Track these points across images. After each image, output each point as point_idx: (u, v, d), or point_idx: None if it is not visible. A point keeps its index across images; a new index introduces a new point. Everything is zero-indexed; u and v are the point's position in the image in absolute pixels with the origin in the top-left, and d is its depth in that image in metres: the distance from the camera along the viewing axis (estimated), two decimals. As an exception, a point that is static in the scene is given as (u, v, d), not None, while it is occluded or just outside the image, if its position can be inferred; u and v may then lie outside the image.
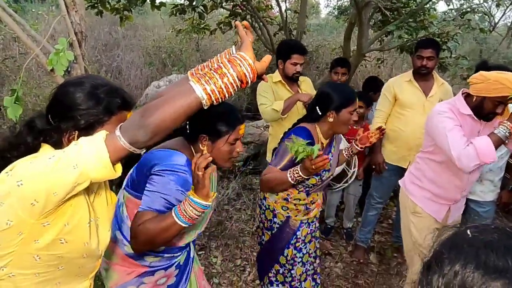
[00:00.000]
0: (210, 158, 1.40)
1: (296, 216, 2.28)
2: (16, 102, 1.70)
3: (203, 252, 3.39)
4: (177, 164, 1.48)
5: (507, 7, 11.76)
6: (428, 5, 3.78)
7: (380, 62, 5.47)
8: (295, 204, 2.26)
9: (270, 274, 2.38)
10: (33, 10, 10.24)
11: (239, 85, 1.03)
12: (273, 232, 2.30)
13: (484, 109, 2.07)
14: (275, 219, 2.29)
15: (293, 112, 3.19)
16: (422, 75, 3.08)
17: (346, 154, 2.47)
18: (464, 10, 3.45)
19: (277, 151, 2.20)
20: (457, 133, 2.06)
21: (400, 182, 2.64)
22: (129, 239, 1.52)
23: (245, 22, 1.22)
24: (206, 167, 1.36)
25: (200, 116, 1.16)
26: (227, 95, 1.02)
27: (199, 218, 1.38)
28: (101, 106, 1.16)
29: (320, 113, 2.12)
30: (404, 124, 3.13)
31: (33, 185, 0.95)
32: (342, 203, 3.97)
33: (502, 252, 0.59)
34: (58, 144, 1.17)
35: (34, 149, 1.15)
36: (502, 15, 12.81)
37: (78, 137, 1.14)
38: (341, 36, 9.40)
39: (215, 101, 1.01)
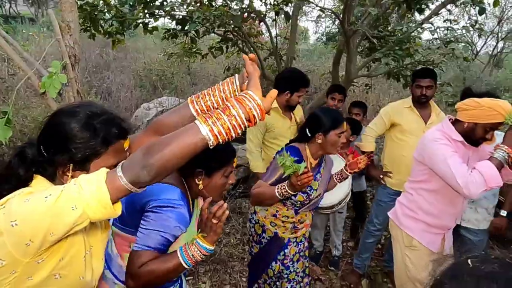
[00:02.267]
0: (226, 206, 1.42)
1: (283, 233, 2.36)
2: (7, 124, 1.69)
3: (191, 277, 3.32)
4: (173, 199, 1.45)
5: (488, 36, 12.28)
6: (413, 34, 3.91)
7: (368, 87, 5.59)
8: (283, 221, 2.34)
9: (260, 281, 2.49)
10: (24, 30, 10.26)
11: (247, 126, 0.99)
12: (262, 246, 2.39)
13: (475, 135, 2.07)
14: (263, 234, 2.37)
15: (286, 137, 3.22)
16: (421, 103, 3.16)
17: (337, 179, 2.52)
18: (448, 40, 3.59)
19: (269, 167, 2.29)
20: (458, 160, 2.03)
21: (389, 214, 2.60)
22: (119, 278, 1.49)
23: (252, 55, 1.18)
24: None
25: None
26: (234, 136, 0.98)
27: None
28: (98, 138, 1.11)
29: (309, 135, 2.23)
30: (405, 150, 3.17)
31: (29, 226, 0.91)
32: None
33: (503, 284, 0.59)
34: (52, 176, 1.12)
35: (26, 180, 1.10)
36: (484, 44, 13.36)
37: (73, 169, 1.10)
38: (329, 62, 9.61)
39: (221, 142, 0.97)
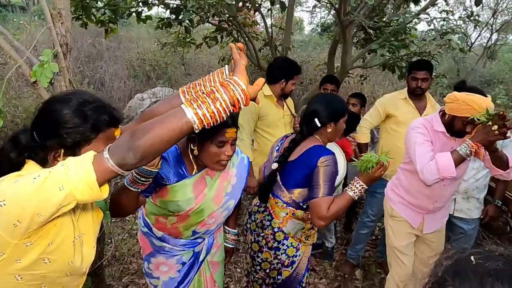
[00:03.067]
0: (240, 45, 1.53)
1: (313, 239, 2.26)
2: (-3, 114, 1.65)
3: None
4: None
5: (482, 28, 12.30)
6: (409, 25, 3.89)
7: (363, 78, 5.58)
8: (314, 228, 2.21)
9: None
10: (15, 19, 10.09)
11: (231, 110, 1.02)
12: (294, 265, 2.19)
13: (454, 127, 2.18)
14: (297, 253, 2.18)
15: (278, 126, 3.22)
16: (416, 95, 3.18)
17: None
18: (444, 31, 3.57)
19: (317, 177, 1.92)
20: (425, 148, 2.20)
21: (385, 188, 2.78)
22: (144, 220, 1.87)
23: (240, 45, 1.21)
24: None
25: None
26: (219, 120, 1.00)
27: (144, 183, 1.45)
28: (88, 124, 1.13)
29: (319, 125, 2.07)
30: (400, 141, 3.17)
31: (17, 206, 0.92)
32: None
33: (507, 281, 0.58)
34: (43, 161, 1.14)
35: (18, 165, 1.11)
36: (478, 36, 13.39)
37: (64, 155, 1.11)
38: (324, 53, 9.58)
39: (206, 126, 1.00)
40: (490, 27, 12.91)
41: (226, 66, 1.27)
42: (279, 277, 2.21)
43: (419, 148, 2.21)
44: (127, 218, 4.02)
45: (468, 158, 2.08)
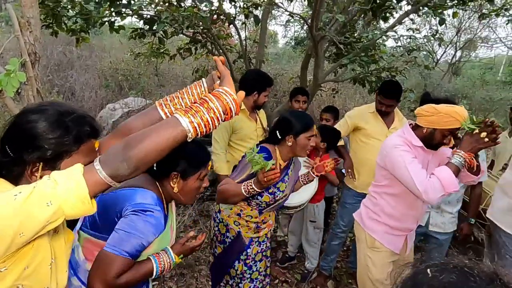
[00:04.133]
0: (203, 238, 1.61)
1: (246, 232, 2.37)
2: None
3: (157, 282, 3.25)
4: (150, 204, 1.43)
5: (447, 46, 12.89)
6: (378, 41, 4.04)
7: (335, 92, 5.72)
8: (246, 221, 2.35)
9: (221, 284, 2.48)
10: (-20, 25, 9.74)
11: (223, 119, 1.04)
12: (225, 246, 2.39)
13: (433, 140, 2.15)
14: (227, 234, 2.38)
15: (252, 139, 3.24)
16: (381, 114, 3.26)
17: (302, 181, 2.57)
18: (410, 48, 3.73)
19: (238, 165, 2.31)
20: (417, 166, 2.09)
21: (354, 215, 2.66)
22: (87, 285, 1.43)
23: (222, 58, 1.23)
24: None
25: (171, 153, 1.08)
26: (212, 128, 1.02)
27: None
28: (71, 135, 1.09)
29: (280, 137, 2.25)
30: (369, 153, 3.25)
31: None
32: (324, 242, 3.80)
33: None
34: (16, 178, 1.07)
35: None
36: (443, 53, 14.01)
37: (42, 169, 1.06)
38: (298, 66, 9.73)
39: (200, 134, 1.01)
40: (454, 45, 13.53)
41: (203, 79, 1.29)
42: (215, 249, 2.46)
43: (411, 168, 2.07)
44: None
45: (462, 169, 2.05)
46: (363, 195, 3.31)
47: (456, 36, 13.33)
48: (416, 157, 2.16)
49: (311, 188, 3.00)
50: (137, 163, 0.93)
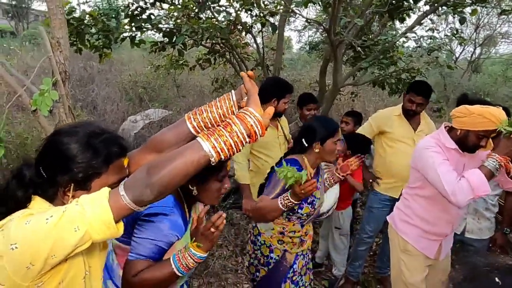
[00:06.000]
0: (224, 215, 1.46)
1: (291, 249, 2.30)
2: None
3: (186, 291, 3.27)
4: (166, 206, 1.45)
5: (466, 43, 12.64)
6: (397, 43, 4.01)
7: (354, 95, 5.69)
8: (290, 237, 2.28)
9: None
10: (5, 45, 10.11)
11: (248, 142, 1.01)
12: (270, 267, 2.30)
13: (468, 142, 2.08)
14: (271, 254, 2.29)
15: (274, 147, 3.25)
16: (409, 115, 3.20)
17: (328, 184, 2.54)
18: (431, 48, 3.69)
19: (269, 181, 2.25)
20: (448, 168, 2.05)
21: (388, 218, 2.63)
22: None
23: (250, 73, 1.19)
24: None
25: None
26: (236, 152, 0.99)
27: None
28: (100, 157, 1.11)
29: (306, 145, 2.22)
30: (395, 156, 3.20)
31: (30, 249, 0.89)
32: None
33: None
34: (51, 197, 1.11)
35: (24, 202, 1.08)
36: (462, 51, 13.76)
37: (74, 190, 1.10)
38: (314, 71, 9.73)
39: (223, 158, 0.98)
40: (473, 42, 13.29)
41: (233, 91, 1.26)
42: (257, 273, 2.36)
43: (441, 169, 2.04)
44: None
45: (497, 173, 1.98)
46: (390, 199, 3.29)
47: (474, 33, 13.08)
48: (449, 159, 2.11)
49: (334, 194, 2.98)
50: (161, 188, 0.93)
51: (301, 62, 14.14)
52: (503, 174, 2.10)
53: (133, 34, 4.01)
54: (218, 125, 1.01)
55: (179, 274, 1.38)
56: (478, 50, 14.13)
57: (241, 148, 1.00)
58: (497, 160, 1.93)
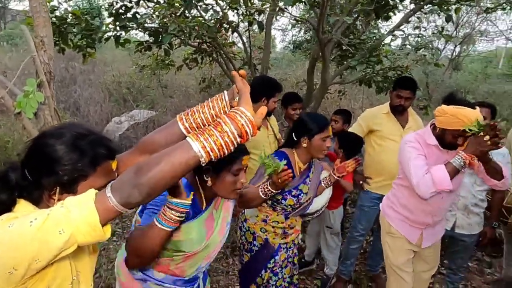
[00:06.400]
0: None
1: (273, 238, 2.37)
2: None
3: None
4: None
5: (447, 41, 12.88)
6: (387, 41, 4.04)
7: (341, 94, 5.71)
8: (273, 227, 2.36)
9: None
10: (-19, 45, 9.82)
11: (239, 142, 0.98)
12: (252, 254, 2.39)
13: (445, 140, 2.21)
14: (254, 242, 2.39)
15: (265, 147, 3.21)
16: (398, 112, 3.23)
17: (325, 184, 2.56)
18: (418, 46, 3.72)
19: (256, 172, 2.35)
20: (419, 162, 2.21)
21: (380, 205, 2.80)
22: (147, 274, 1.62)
23: (242, 72, 1.16)
24: None
25: None
26: (226, 152, 0.97)
27: (179, 220, 1.31)
28: (86, 159, 1.08)
29: (295, 139, 2.27)
30: (385, 154, 3.22)
31: (13, 253, 0.86)
32: None
33: None
34: (37, 200, 1.07)
35: (9, 205, 1.04)
36: (443, 49, 14.00)
37: (60, 193, 1.06)
38: (299, 70, 9.75)
39: (213, 159, 0.96)
40: (449, 40, 13.54)
41: (225, 91, 1.24)
42: (242, 258, 2.47)
43: (413, 163, 2.22)
44: (112, 246, 3.88)
45: (462, 170, 2.10)
46: (380, 197, 3.30)
47: (455, 32, 13.33)
48: (427, 154, 2.26)
49: (326, 193, 2.97)
50: (149, 190, 0.90)
51: (285, 61, 14.14)
52: (483, 172, 2.25)
53: (118, 34, 3.91)
54: (209, 125, 0.98)
55: (164, 227, 1.28)
56: (457, 48, 14.41)
57: (232, 148, 0.97)
58: (462, 158, 2.05)
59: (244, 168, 1.66)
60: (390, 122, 3.27)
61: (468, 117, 2.03)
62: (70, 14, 3.65)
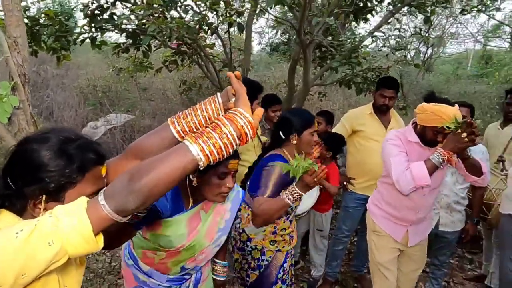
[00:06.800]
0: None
1: (283, 247, 2.27)
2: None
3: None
4: None
5: (420, 43, 13.22)
6: (365, 43, 4.07)
7: (322, 95, 5.73)
8: (282, 235, 2.26)
9: None
10: None
11: (238, 144, 0.95)
12: (261, 270, 2.25)
13: (426, 137, 2.25)
14: (263, 257, 2.24)
15: (249, 150, 3.17)
16: (381, 112, 3.26)
17: None
18: (397, 47, 3.78)
19: (254, 180, 2.15)
20: (400, 159, 2.25)
21: (367, 204, 2.79)
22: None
23: (237, 73, 1.14)
24: None
25: None
26: (225, 155, 0.93)
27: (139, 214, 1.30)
28: (74, 165, 1.00)
29: (283, 137, 2.21)
30: (368, 155, 3.23)
31: None
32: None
33: None
34: (20, 211, 1.00)
35: None
36: (415, 52, 14.36)
37: (46, 201, 0.99)
38: (277, 72, 9.76)
39: (212, 162, 0.91)
40: (426, 42, 13.90)
41: (218, 94, 1.20)
42: (247, 279, 2.30)
43: (394, 159, 2.26)
44: (91, 255, 3.73)
45: (441, 166, 2.14)
46: (365, 198, 3.31)
47: (427, 34, 13.68)
48: (409, 151, 2.30)
49: (313, 195, 2.95)
50: (145, 196, 0.85)
51: (263, 64, 14.15)
52: (463, 169, 2.29)
53: (94, 35, 3.78)
54: (206, 127, 0.94)
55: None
56: (429, 50, 14.79)
57: (231, 151, 0.93)
58: (441, 154, 2.08)
59: (232, 172, 1.61)
60: (373, 123, 3.29)
61: (446, 114, 2.07)
62: (43, 15, 3.50)
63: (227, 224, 1.80)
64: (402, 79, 10.48)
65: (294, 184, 1.98)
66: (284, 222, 2.26)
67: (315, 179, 1.90)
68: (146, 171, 0.86)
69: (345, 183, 3.42)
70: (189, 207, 1.64)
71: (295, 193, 1.96)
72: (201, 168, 0.92)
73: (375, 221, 2.58)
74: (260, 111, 1.02)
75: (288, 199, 1.97)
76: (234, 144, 0.93)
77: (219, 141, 0.90)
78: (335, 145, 3.17)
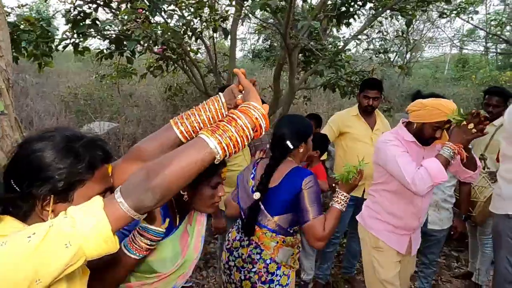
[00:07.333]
0: None
1: (293, 263, 2.11)
2: None
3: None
4: None
5: (400, 47, 13.51)
6: (348, 46, 4.13)
7: (307, 99, 5.78)
8: (298, 247, 2.14)
9: None
10: None
11: (253, 136, 0.95)
12: (271, 285, 2.04)
13: (424, 134, 2.18)
14: (277, 271, 2.04)
15: (238, 155, 3.13)
16: (367, 113, 3.30)
17: None
18: (381, 50, 3.85)
19: (303, 201, 1.91)
20: (407, 159, 2.14)
21: (357, 217, 2.63)
22: None
23: (243, 70, 1.16)
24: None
25: None
26: (241, 148, 0.93)
27: (150, 249, 1.23)
28: (83, 162, 0.97)
29: (292, 147, 2.02)
30: (355, 156, 3.23)
31: (8, 276, 0.74)
32: None
33: None
34: (25, 215, 0.95)
35: None
36: (396, 55, 14.66)
37: (54, 202, 0.95)
38: (260, 77, 9.80)
39: (228, 155, 0.92)
40: (405, 46, 14.23)
41: (220, 93, 1.21)
42: None
43: (401, 160, 2.12)
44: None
45: (452, 161, 2.07)
46: (352, 198, 3.32)
47: (408, 37, 13.99)
48: (409, 151, 2.20)
49: None
50: (163, 191, 0.85)
51: (246, 70, 14.17)
52: (459, 164, 2.21)
53: (76, 41, 3.71)
54: (220, 121, 0.94)
55: (132, 256, 1.20)
56: (407, 55, 15.14)
57: (246, 143, 0.94)
58: (451, 148, 2.01)
59: (222, 181, 1.56)
60: (360, 124, 3.33)
61: (448, 107, 2.04)
62: (23, 21, 3.42)
63: (204, 229, 1.73)
64: (384, 82, 10.71)
65: (338, 189, 1.94)
66: (297, 235, 2.11)
67: (361, 179, 1.93)
68: (163, 166, 0.85)
69: (333, 184, 3.43)
70: (177, 224, 1.56)
71: (345, 197, 1.92)
72: (217, 162, 0.92)
73: (378, 237, 2.40)
74: (266, 107, 1.03)
75: (340, 206, 1.90)
76: (249, 136, 0.94)
77: (235, 133, 0.91)
78: (319, 143, 3.18)
